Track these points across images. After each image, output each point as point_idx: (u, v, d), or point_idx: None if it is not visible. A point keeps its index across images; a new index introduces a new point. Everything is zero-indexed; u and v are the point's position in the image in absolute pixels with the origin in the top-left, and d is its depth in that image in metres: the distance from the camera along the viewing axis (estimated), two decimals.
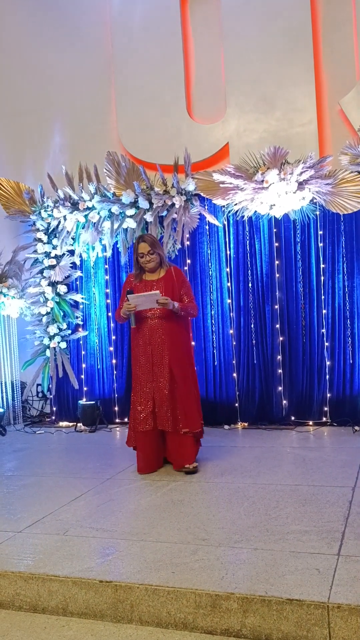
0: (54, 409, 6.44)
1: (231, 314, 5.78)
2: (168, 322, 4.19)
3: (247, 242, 5.72)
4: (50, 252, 6.32)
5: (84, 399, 6.23)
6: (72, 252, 6.33)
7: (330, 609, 2.23)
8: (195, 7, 6.21)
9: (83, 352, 6.37)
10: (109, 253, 6.16)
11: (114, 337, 6.21)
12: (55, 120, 6.71)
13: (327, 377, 5.51)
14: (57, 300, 6.33)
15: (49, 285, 6.32)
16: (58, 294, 6.32)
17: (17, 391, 6.50)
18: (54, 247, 6.32)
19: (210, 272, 5.87)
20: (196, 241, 5.90)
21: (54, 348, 6.35)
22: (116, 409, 6.19)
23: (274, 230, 5.60)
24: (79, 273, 6.34)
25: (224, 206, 5.65)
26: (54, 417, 6.43)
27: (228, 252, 5.79)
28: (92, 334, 6.34)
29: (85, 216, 6.11)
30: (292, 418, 5.58)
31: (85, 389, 6.33)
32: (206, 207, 5.76)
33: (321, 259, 5.52)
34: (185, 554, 2.77)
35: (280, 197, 5.29)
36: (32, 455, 5.08)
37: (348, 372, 5.47)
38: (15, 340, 6.54)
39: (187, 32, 6.25)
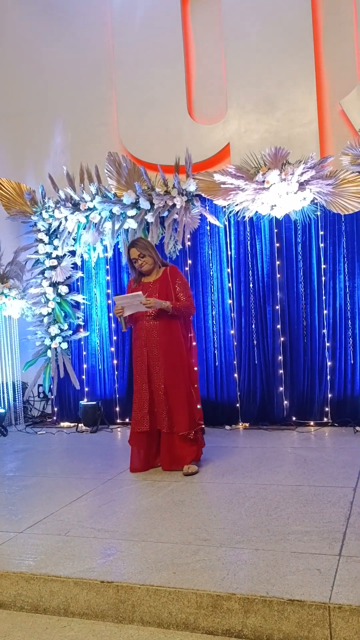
0: (55, 409, 6.45)
1: (232, 314, 5.79)
2: (163, 323, 4.21)
3: (248, 242, 5.72)
4: (51, 253, 6.33)
5: (85, 400, 6.23)
6: (73, 253, 6.33)
7: (331, 610, 2.23)
8: (196, 7, 6.22)
9: (84, 353, 6.37)
10: (110, 254, 6.17)
11: (115, 338, 6.21)
12: (56, 120, 6.71)
13: (328, 377, 5.51)
14: (59, 301, 6.34)
15: (50, 285, 6.33)
16: (59, 295, 6.32)
17: (19, 392, 6.51)
18: (55, 248, 6.32)
19: (211, 273, 5.87)
20: (197, 242, 5.90)
21: (55, 348, 6.35)
22: (117, 409, 6.20)
23: (275, 230, 5.60)
24: (80, 274, 6.34)
25: (225, 207, 5.66)
26: (55, 418, 6.44)
27: (229, 253, 5.79)
28: (93, 335, 6.34)
29: (87, 217, 6.11)
30: (293, 418, 5.58)
31: (86, 389, 6.33)
32: (207, 208, 5.76)
33: (322, 259, 5.52)
34: (186, 554, 2.77)
35: (281, 198, 5.29)
36: (33, 455, 5.09)
37: (349, 373, 5.47)
38: (17, 341, 6.54)
39: (188, 32, 6.25)
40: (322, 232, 5.51)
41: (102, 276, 6.29)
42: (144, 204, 5.82)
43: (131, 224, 5.92)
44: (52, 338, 6.34)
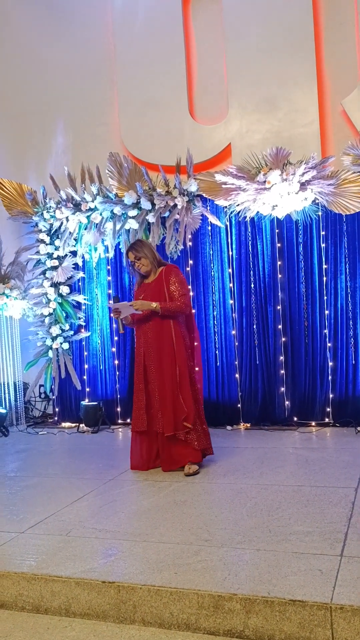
0: (57, 409, 6.45)
1: (233, 314, 5.78)
2: (156, 324, 4.22)
3: (250, 242, 5.72)
4: (52, 253, 6.33)
5: (87, 400, 6.23)
6: (74, 253, 6.34)
7: (333, 610, 2.22)
8: (197, 8, 6.22)
9: (85, 353, 6.37)
10: (111, 254, 6.17)
11: (116, 338, 6.21)
12: (58, 121, 6.72)
13: (330, 377, 5.50)
14: (60, 301, 6.34)
15: (51, 286, 6.33)
16: (60, 295, 6.33)
17: (20, 392, 6.51)
18: (57, 248, 6.33)
19: (213, 273, 5.87)
20: (198, 242, 5.90)
21: (57, 349, 6.35)
22: (118, 409, 6.20)
23: (276, 231, 5.60)
24: (81, 274, 6.34)
25: (226, 207, 5.66)
26: (56, 418, 6.44)
27: (230, 253, 5.79)
28: (94, 335, 6.34)
29: (88, 217, 6.11)
30: (295, 419, 5.57)
31: (87, 389, 6.33)
32: (208, 208, 5.76)
33: (323, 259, 5.52)
34: (187, 554, 2.77)
35: (283, 198, 5.29)
36: (34, 456, 5.09)
37: (351, 373, 5.47)
38: (18, 341, 6.54)
39: (189, 33, 6.25)
40: (323, 233, 5.51)
41: (103, 276, 6.29)
42: (145, 204, 5.82)
43: (132, 224, 5.93)
44: (54, 338, 6.34)
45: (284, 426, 5.53)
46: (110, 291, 6.24)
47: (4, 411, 6.16)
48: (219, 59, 6.11)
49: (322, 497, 3.47)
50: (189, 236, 5.84)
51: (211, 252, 5.87)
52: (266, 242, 5.66)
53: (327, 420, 5.49)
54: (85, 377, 6.35)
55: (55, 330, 6.31)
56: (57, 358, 6.36)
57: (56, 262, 6.32)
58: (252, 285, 5.71)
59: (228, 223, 5.77)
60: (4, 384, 6.40)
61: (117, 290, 6.19)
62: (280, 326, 5.60)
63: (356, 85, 5.59)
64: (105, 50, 6.50)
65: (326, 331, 5.52)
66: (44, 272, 6.40)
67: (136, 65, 6.30)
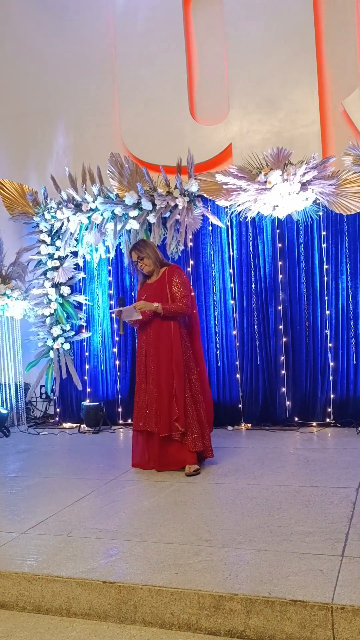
0: (58, 410, 6.45)
1: (234, 315, 5.78)
2: (159, 324, 4.23)
3: (250, 243, 5.72)
4: (53, 254, 6.34)
5: (88, 400, 6.23)
6: (75, 254, 6.34)
7: (334, 610, 2.22)
8: (198, 8, 6.22)
9: (86, 354, 6.37)
10: (112, 254, 6.18)
11: (117, 339, 6.21)
12: (59, 121, 6.72)
13: (331, 378, 5.50)
14: (61, 302, 6.34)
15: (52, 286, 6.33)
16: (61, 296, 6.33)
17: (21, 392, 6.51)
18: (58, 249, 6.33)
19: (213, 273, 5.87)
20: (199, 242, 5.90)
21: (58, 349, 6.36)
22: (119, 410, 6.20)
23: (277, 231, 5.60)
24: (82, 274, 6.35)
25: (227, 207, 5.66)
26: (57, 418, 6.44)
27: (231, 253, 5.79)
28: (95, 335, 6.34)
29: (89, 217, 6.11)
30: (296, 419, 5.57)
31: (88, 390, 6.33)
32: (209, 208, 5.76)
33: (324, 259, 5.52)
34: (188, 554, 2.77)
35: (283, 198, 5.29)
36: (35, 456, 5.09)
37: (352, 373, 5.46)
38: (19, 342, 6.55)
39: (190, 33, 6.26)
40: (324, 233, 5.51)
41: (104, 277, 6.29)
42: (146, 204, 5.82)
43: (133, 224, 5.93)
44: (55, 339, 6.35)
45: (284, 426, 5.52)
46: (112, 292, 6.24)
47: (5, 411, 6.16)
48: (220, 59, 6.12)
49: (323, 498, 3.47)
50: (190, 236, 5.84)
51: (212, 253, 5.87)
52: (267, 242, 5.66)
53: (328, 420, 5.49)
54: (86, 378, 6.35)
55: (56, 330, 6.31)
56: (58, 358, 6.36)
57: (57, 263, 6.32)
58: (253, 286, 5.71)
59: (229, 223, 5.77)
60: (5, 385, 6.40)
61: (118, 291, 6.19)
62: (281, 326, 5.60)
63: (357, 85, 5.59)
64: (106, 50, 6.50)
65: (327, 331, 5.51)
66: (45, 273, 6.40)
67: (137, 66, 6.30)
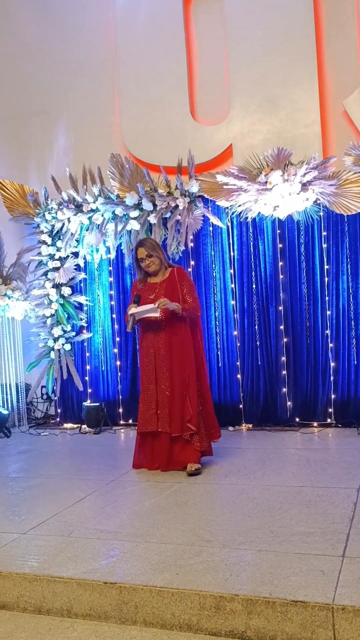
0: (59, 410, 6.45)
1: (235, 315, 5.78)
2: (171, 325, 4.21)
3: (251, 243, 5.72)
4: (54, 254, 6.34)
5: (89, 401, 6.23)
6: (76, 254, 6.34)
7: (334, 611, 2.22)
8: (199, 8, 6.23)
9: (87, 354, 6.37)
10: (112, 255, 6.18)
11: (118, 339, 6.21)
12: (59, 122, 6.73)
13: (332, 378, 5.50)
14: (62, 302, 6.34)
15: (53, 287, 6.33)
16: (62, 296, 6.33)
17: (22, 393, 6.52)
18: (58, 249, 6.33)
19: (214, 274, 5.87)
20: (200, 243, 5.90)
21: (59, 350, 6.36)
22: (120, 410, 6.20)
23: (278, 231, 5.60)
24: (83, 275, 6.35)
25: (227, 207, 5.66)
26: (58, 419, 6.44)
27: (232, 254, 5.78)
28: (96, 336, 6.34)
29: (89, 218, 6.12)
30: (297, 419, 5.57)
31: (89, 390, 6.33)
32: (210, 209, 5.76)
33: (325, 260, 5.51)
34: (189, 555, 2.77)
35: (284, 198, 5.30)
36: (36, 457, 5.09)
37: (353, 373, 5.46)
38: (20, 342, 6.55)
39: (191, 33, 6.26)
40: (325, 233, 5.51)
41: (105, 277, 6.30)
42: (147, 205, 5.82)
43: (134, 225, 5.93)
44: (55, 339, 6.35)
45: (285, 427, 5.52)
46: (112, 292, 6.24)
47: (6, 412, 6.16)
48: (221, 59, 6.12)
49: (324, 498, 3.46)
50: (191, 237, 5.84)
51: (213, 253, 5.87)
52: (267, 242, 5.66)
53: (329, 420, 5.48)
54: (87, 378, 6.35)
55: (57, 331, 6.32)
56: (59, 359, 6.36)
57: (58, 264, 6.33)
58: (254, 286, 5.71)
59: (229, 224, 5.77)
60: (6, 385, 6.41)
61: (118, 291, 6.19)
62: (282, 327, 5.59)
63: (357, 85, 5.59)
64: (107, 51, 6.51)
65: (328, 332, 5.51)
66: (45, 273, 6.40)
67: (138, 66, 6.30)
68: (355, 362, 5.45)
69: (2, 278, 6.33)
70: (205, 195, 5.70)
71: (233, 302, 5.79)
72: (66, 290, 6.29)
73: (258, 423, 5.68)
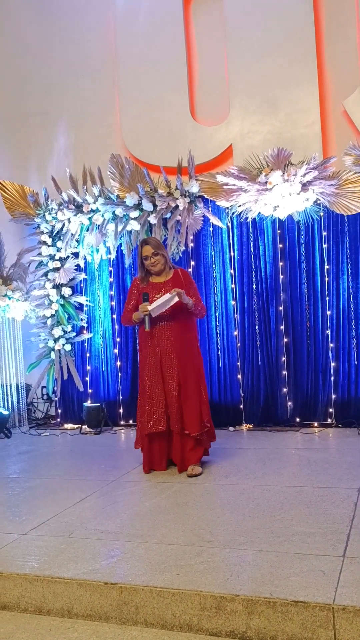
0: (59, 411, 6.45)
1: (235, 315, 5.78)
2: (176, 323, 4.20)
3: (251, 243, 5.72)
4: (54, 255, 6.34)
5: (89, 401, 6.23)
6: (76, 255, 6.34)
7: (335, 611, 2.22)
8: (199, 8, 6.23)
9: (88, 355, 6.38)
10: (113, 255, 6.18)
11: (118, 339, 6.21)
12: (59, 123, 6.73)
13: (332, 378, 5.50)
14: (62, 303, 6.34)
15: (53, 287, 6.33)
16: (62, 297, 6.33)
17: (22, 393, 6.52)
18: (59, 250, 6.33)
19: (214, 274, 5.87)
20: (200, 243, 5.90)
21: (59, 350, 6.36)
22: (121, 411, 6.20)
23: (278, 231, 5.60)
24: (83, 275, 6.35)
25: (227, 208, 5.66)
26: (59, 420, 6.44)
27: (232, 254, 5.79)
28: (96, 336, 6.35)
29: (89, 219, 6.12)
30: (297, 419, 5.57)
31: (90, 391, 6.33)
32: (210, 209, 5.77)
33: (325, 260, 5.51)
34: (189, 555, 2.77)
35: (284, 199, 5.29)
36: (37, 457, 5.09)
37: (353, 374, 5.46)
38: (20, 343, 6.55)
39: (191, 34, 6.26)
40: (325, 233, 5.51)
41: (105, 278, 6.30)
42: (147, 205, 5.83)
43: (134, 225, 5.93)
44: (56, 340, 6.35)
45: (286, 427, 5.52)
46: (113, 292, 6.24)
47: (6, 413, 6.17)
48: (220, 60, 6.12)
49: (324, 498, 3.46)
50: (191, 237, 5.84)
51: (213, 253, 5.87)
52: (268, 243, 5.66)
53: (329, 421, 5.48)
54: (87, 379, 6.35)
55: (57, 331, 6.32)
56: (59, 359, 6.36)
57: (58, 264, 6.33)
58: (254, 286, 5.71)
59: (230, 224, 5.77)
60: (6, 386, 6.41)
61: (118, 292, 6.19)
62: (282, 327, 5.59)
63: (357, 85, 5.59)
64: (107, 51, 6.51)
65: (328, 332, 5.51)
66: (46, 274, 6.40)
67: (138, 67, 6.31)
68: (356, 362, 5.45)
69: (3, 279, 6.33)
70: (206, 196, 5.70)
71: (233, 302, 5.79)
72: (66, 291, 6.30)
73: (258, 423, 5.68)
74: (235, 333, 5.78)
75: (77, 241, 6.29)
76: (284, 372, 5.60)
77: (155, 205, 5.82)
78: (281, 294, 5.60)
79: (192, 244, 5.89)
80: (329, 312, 5.51)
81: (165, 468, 4.28)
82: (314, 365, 5.57)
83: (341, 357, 5.48)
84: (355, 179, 5.21)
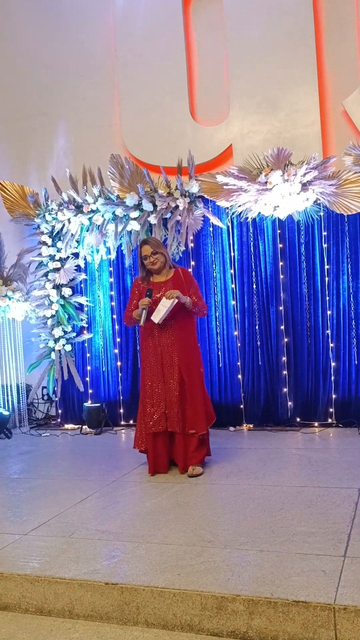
0: (60, 411, 6.45)
1: (236, 315, 5.78)
2: (177, 323, 4.20)
3: (251, 243, 5.72)
4: (54, 255, 6.34)
5: (89, 402, 6.23)
6: (76, 255, 6.34)
7: (336, 611, 2.22)
8: (198, 9, 6.23)
9: (88, 355, 6.37)
10: (113, 255, 6.18)
11: (118, 340, 6.21)
12: (59, 123, 6.73)
13: (333, 378, 5.50)
14: (62, 303, 6.34)
15: (53, 288, 6.33)
16: (63, 297, 6.33)
17: (23, 394, 6.52)
18: (59, 250, 6.33)
19: (215, 274, 5.87)
20: (200, 243, 5.91)
21: (59, 351, 6.36)
22: (121, 411, 6.20)
23: (278, 231, 5.60)
24: (83, 276, 6.35)
25: (227, 208, 5.66)
26: (59, 420, 6.44)
27: (232, 254, 5.79)
28: (97, 337, 6.35)
29: (90, 219, 6.12)
30: (298, 419, 5.57)
31: (90, 391, 6.33)
32: (210, 209, 5.77)
33: (325, 260, 5.51)
34: (190, 555, 2.77)
35: (284, 199, 5.29)
36: (37, 457, 5.09)
37: (353, 373, 5.46)
38: (21, 343, 6.55)
39: (190, 34, 6.26)
40: (325, 233, 5.51)
41: (106, 278, 6.30)
42: (147, 205, 5.83)
43: (134, 225, 5.93)
44: (56, 340, 6.35)
45: (286, 427, 5.52)
46: (113, 293, 6.24)
47: (7, 413, 6.17)
48: (220, 60, 6.12)
49: (325, 498, 3.46)
50: (191, 237, 5.84)
51: (213, 253, 5.87)
52: (268, 242, 5.66)
53: (330, 420, 5.48)
54: (87, 379, 6.35)
55: (57, 332, 6.32)
56: (59, 360, 6.36)
57: (58, 264, 6.33)
58: (254, 286, 5.71)
59: (230, 224, 5.77)
60: (6, 386, 6.41)
61: (119, 292, 6.19)
62: (282, 327, 5.59)
63: (357, 85, 5.59)
64: (106, 52, 6.51)
65: (328, 332, 5.51)
66: (46, 274, 6.40)
67: (137, 67, 6.31)
68: (356, 362, 5.45)
69: (3, 279, 6.33)
70: (206, 196, 5.70)
71: (233, 303, 5.79)
72: (67, 291, 6.30)
73: (259, 423, 5.68)
74: (236, 333, 5.78)
75: (77, 241, 6.29)
76: (284, 372, 5.60)
77: (155, 206, 5.82)
78: (281, 294, 5.60)
79: (192, 244, 5.89)
80: (329, 312, 5.51)
81: (167, 470, 4.27)
82: (314, 365, 5.57)
83: (341, 356, 5.48)
84: (355, 179, 5.21)
